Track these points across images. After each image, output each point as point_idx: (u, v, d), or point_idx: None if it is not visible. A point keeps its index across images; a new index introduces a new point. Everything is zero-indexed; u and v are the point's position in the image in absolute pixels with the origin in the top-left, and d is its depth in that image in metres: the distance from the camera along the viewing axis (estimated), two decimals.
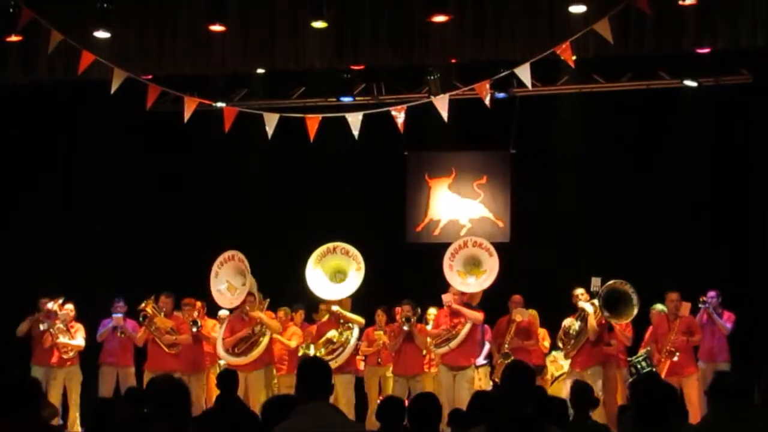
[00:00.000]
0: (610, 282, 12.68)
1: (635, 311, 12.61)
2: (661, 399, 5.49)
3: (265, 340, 13.04)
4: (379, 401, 12.80)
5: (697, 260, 14.54)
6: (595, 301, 12.74)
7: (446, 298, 13.09)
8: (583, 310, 12.85)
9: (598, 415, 12.03)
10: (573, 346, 12.91)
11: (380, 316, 13.75)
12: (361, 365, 14.26)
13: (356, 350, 13.61)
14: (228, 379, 9.37)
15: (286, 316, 13.89)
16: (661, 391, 5.59)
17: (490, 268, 13.11)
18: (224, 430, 7.02)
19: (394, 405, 7.35)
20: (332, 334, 13.15)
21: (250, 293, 13.13)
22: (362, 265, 13.20)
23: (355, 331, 13.18)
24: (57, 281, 14.96)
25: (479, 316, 13.00)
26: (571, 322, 13.00)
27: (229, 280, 13.34)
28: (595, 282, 12.79)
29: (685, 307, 12.93)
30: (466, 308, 12.97)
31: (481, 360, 13.67)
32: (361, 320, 13.29)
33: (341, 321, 13.20)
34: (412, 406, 6.75)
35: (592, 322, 12.71)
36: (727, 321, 13.16)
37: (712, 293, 13.20)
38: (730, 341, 13.21)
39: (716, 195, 14.93)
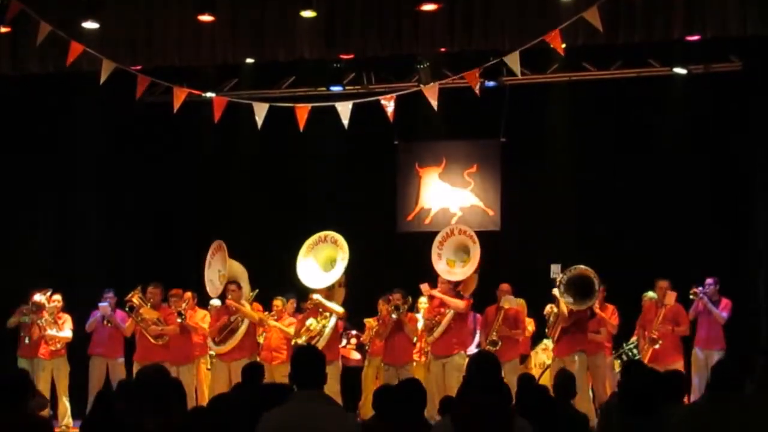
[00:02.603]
0: (572, 267, 12.67)
1: (597, 296, 12.58)
2: (647, 386, 5.50)
3: (242, 329, 13.03)
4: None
5: (690, 247, 14.56)
6: (556, 291, 12.73)
7: (424, 287, 13.13)
8: (555, 296, 12.83)
9: (587, 404, 12.13)
10: (553, 333, 12.92)
11: (382, 305, 13.64)
12: (353, 354, 14.31)
13: (339, 340, 13.63)
14: (251, 370, 9.31)
15: (283, 305, 13.86)
16: (647, 378, 5.59)
17: (474, 256, 13.12)
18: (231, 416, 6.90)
19: (390, 394, 7.34)
20: (310, 322, 13.12)
21: (231, 282, 13.11)
22: (347, 254, 13.15)
23: (332, 320, 13.11)
24: (48, 272, 14.95)
25: (459, 303, 12.94)
26: (550, 309, 13.00)
27: (220, 269, 13.37)
28: (555, 269, 12.78)
29: (671, 297, 12.90)
30: (447, 296, 12.98)
31: (472, 349, 13.67)
32: (340, 310, 13.18)
33: (320, 310, 13.18)
34: (397, 391, 6.76)
35: (562, 308, 12.68)
36: (723, 309, 13.07)
37: (710, 280, 13.13)
38: (726, 329, 13.17)
39: (708, 182, 14.93)
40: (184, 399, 6.87)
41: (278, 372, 13.32)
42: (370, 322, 13.85)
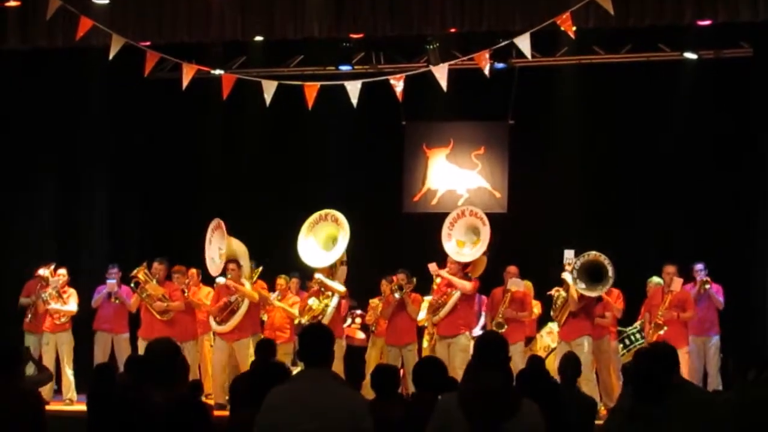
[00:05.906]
0: (586, 254, 12.64)
1: (610, 282, 12.54)
2: (662, 369, 5.49)
3: (242, 308, 12.97)
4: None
5: (696, 232, 14.55)
6: (566, 276, 12.69)
7: (432, 266, 13.12)
8: (564, 281, 12.82)
9: (591, 387, 12.12)
10: (560, 316, 12.89)
11: (384, 286, 13.63)
12: (358, 334, 14.32)
13: (343, 319, 13.63)
14: (263, 346, 9.44)
15: (287, 283, 13.84)
16: (661, 360, 5.58)
17: (483, 238, 13.10)
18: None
19: (388, 373, 7.38)
20: (312, 302, 13.12)
21: (231, 261, 13.10)
22: (348, 233, 13.10)
23: (334, 300, 13.10)
24: (53, 247, 14.97)
25: (467, 285, 12.93)
26: (558, 293, 12.97)
27: (220, 247, 13.33)
28: (568, 255, 12.74)
29: (677, 283, 12.83)
30: (455, 277, 12.97)
31: (477, 330, 13.66)
32: (341, 289, 13.16)
33: (322, 289, 13.18)
34: (417, 370, 6.78)
35: (572, 293, 12.64)
36: (717, 294, 13.10)
37: (699, 265, 13.11)
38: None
39: (716, 167, 14.90)
40: (187, 371, 6.91)
41: (281, 350, 13.35)
42: (374, 302, 13.84)
